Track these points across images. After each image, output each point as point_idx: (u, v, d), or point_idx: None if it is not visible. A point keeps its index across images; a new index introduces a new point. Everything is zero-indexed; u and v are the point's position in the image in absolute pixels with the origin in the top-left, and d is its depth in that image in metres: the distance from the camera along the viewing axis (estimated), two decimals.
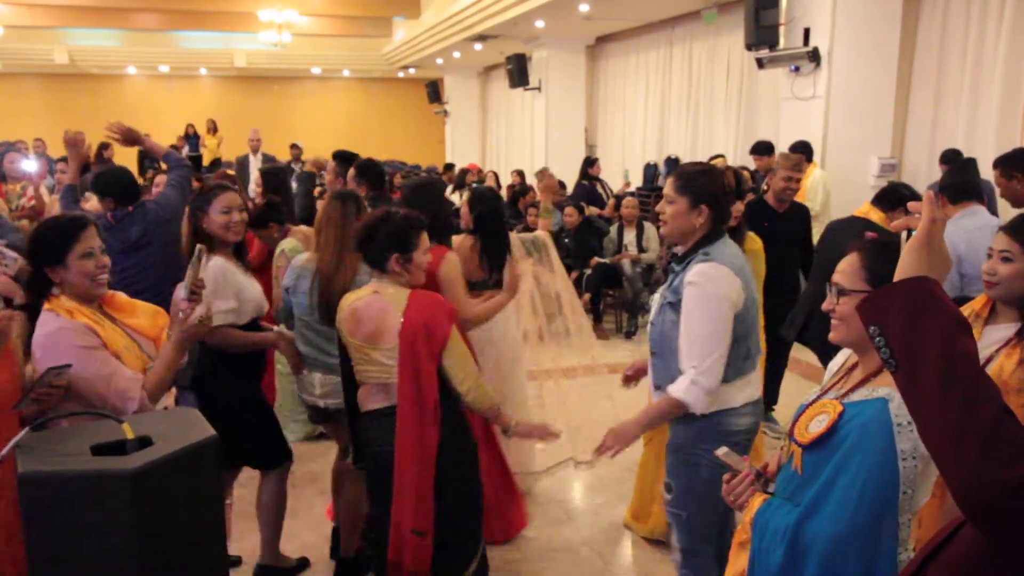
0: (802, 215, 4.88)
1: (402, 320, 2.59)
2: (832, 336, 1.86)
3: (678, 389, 2.46)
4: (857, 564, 1.66)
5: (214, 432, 1.81)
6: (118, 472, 1.59)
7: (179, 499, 1.69)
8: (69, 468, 1.61)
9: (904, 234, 1.97)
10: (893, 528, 1.68)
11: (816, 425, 1.78)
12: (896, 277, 1.26)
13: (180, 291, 2.48)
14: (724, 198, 2.61)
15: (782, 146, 7.24)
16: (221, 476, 1.82)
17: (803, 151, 6.58)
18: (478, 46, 13.54)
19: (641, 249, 7.70)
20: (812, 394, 1.96)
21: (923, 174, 7.33)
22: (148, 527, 1.61)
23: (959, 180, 3.69)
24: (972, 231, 3.41)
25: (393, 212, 2.72)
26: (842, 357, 2.03)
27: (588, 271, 7.69)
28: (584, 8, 9.98)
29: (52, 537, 1.60)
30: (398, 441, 2.59)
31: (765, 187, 6.59)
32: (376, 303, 2.65)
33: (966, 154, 6.15)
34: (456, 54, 15.35)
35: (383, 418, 2.66)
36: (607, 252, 7.80)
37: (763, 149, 7.45)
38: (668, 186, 2.65)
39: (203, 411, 1.98)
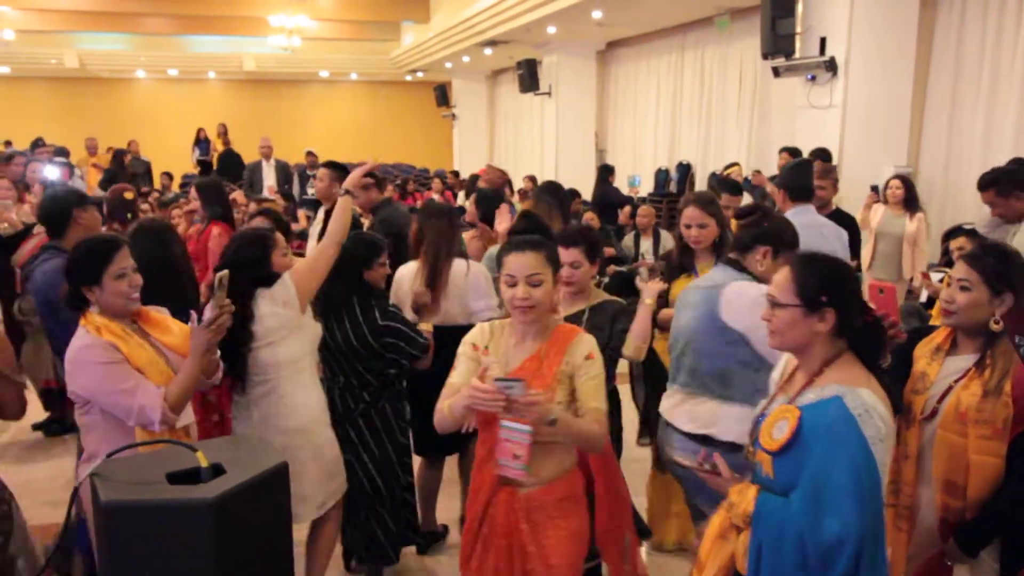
0: (840, 221, 4.88)
1: None
2: (771, 343, 1.96)
3: None
4: (875, 549, 1.72)
5: (283, 459, 1.84)
6: (199, 501, 1.62)
7: (254, 527, 1.72)
8: (150, 497, 1.64)
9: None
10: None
11: (778, 432, 1.85)
12: None
13: (206, 314, 2.42)
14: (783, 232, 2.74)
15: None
16: (290, 502, 1.85)
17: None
18: (488, 51, 13.57)
19: (658, 257, 7.71)
20: (762, 405, 2.05)
21: (939, 183, 7.36)
22: (227, 555, 1.64)
23: (801, 183, 3.98)
24: (802, 228, 3.29)
25: None
26: (781, 365, 2.12)
27: (605, 279, 7.70)
28: (597, 15, 10.01)
29: (132, 567, 1.63)
30: None
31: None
32: None
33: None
34: (465, 58, 15.36)
35: None
36: (624, 261, 7.81)
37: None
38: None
39: None
